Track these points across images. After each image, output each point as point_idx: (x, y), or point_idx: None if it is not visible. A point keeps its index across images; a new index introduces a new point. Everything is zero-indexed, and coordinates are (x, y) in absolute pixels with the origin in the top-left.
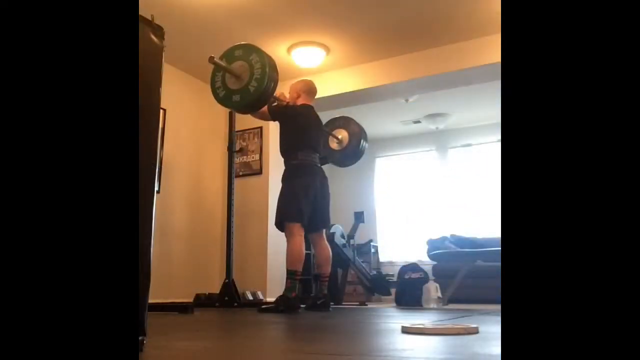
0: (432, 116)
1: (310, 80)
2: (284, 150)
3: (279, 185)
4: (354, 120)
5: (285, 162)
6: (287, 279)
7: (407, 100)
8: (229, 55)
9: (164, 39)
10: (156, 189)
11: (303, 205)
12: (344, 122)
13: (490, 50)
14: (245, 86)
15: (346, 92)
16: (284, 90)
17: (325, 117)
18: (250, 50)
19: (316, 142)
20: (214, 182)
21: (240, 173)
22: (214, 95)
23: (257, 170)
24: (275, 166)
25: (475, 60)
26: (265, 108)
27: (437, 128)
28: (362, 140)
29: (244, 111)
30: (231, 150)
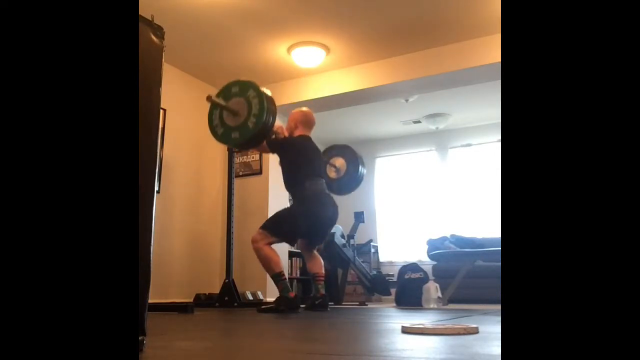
0: (432, 116)
1: (308, 111)
2: (291, 182)
3: (279, 185)
4: (350, 147)
5: (294, 195)
6: (275, 283)
7: (407, 100)
8: (225, 92)
9: (164, 39)
10: (156, 189)
11: (296, 235)
12: (341, 150)
13: (490, 50)
14: (244, 122)
15: (346, 92)
16: (285, 90)
17: (325, 117)
18: (247, 86)
19: (320, 169)
20: (214, 182)
21: (240, 173)
22: (212, 133)
23: (257, 170)
24: (275, 166)
25: (475, 60)
26: (264, 142)
27: (437, 128)
28: (360, 166)
29: (243, 147)
30: (231, 150)
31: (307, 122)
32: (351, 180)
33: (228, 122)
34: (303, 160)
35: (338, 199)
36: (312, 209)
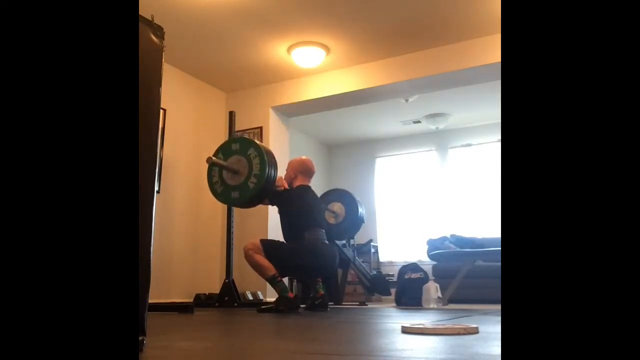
0: (432, 116)
1: (307, 159)
2: (290, 233)
3: None
4: (347, 191)
5: (293, 244)
6: (272, 286)
7: (407, 100)
8: (225, 148)
9: (164, 39)
10: (156, 189)
11: (289, 267)
12: (338, 195)
13: (490, 50)
14: (244, 182)
15: (346, 92)
16: (283, 89)
17: (325, 116)
18: (248, 144)
19: (320, 219)
20: None
21: None
22: (211, 190)
23: None
24: None
25: (475, 60)
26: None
27: (437, 128)
28: (359, 209)
29: (244, 207)
30: None
31: (307, 171)
32: (351, 224)
33: (228, 180)
34: (302, 212)
35: None
36: (310, 260)
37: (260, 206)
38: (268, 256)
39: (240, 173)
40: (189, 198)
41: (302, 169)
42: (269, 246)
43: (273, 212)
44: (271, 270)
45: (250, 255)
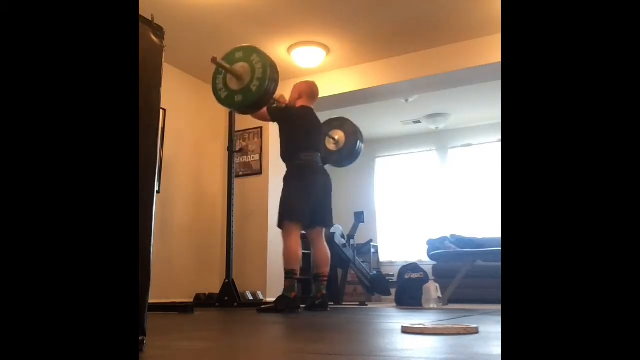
0: (432, 116)
1: (313, 83)
2: (286, 152)
3: (279, 185)
4: (350, 121)
5: (288, 164)
6: (285, 279)
7: (407, 100)
8: (229, 57)
9: (164, 39)
10: (156, 188)
11: (304, 206)
12: (340, 122)
13: (490, 50)
14: (247, 86)
15: (346, 92)
16: (287, 90)
17: (324, 117)
18: (251, 51)
19: (317, 142)
20: (214, 182)
21: (240, 173)
22: (215, 96)
23: (257, 170)
24: (275, 166)
25: (475, 60)
26: (264, 109)
27: (437, 128)
28: (358, 141)
29: (245, 111)
30: (231, 150)
31: (311, 93)
32: (349, 154)
33: (231, 85)
34: (301, 132)
35: (338, 199)
36: (305, 178)
37: (260, 206)
38: (289, 215)
39: (243, 78)
40: (189, 198)
41: (308, 92)
42: (282, 211)
43: (273, 211)
44: (292, 264)
45: (285, 239)
